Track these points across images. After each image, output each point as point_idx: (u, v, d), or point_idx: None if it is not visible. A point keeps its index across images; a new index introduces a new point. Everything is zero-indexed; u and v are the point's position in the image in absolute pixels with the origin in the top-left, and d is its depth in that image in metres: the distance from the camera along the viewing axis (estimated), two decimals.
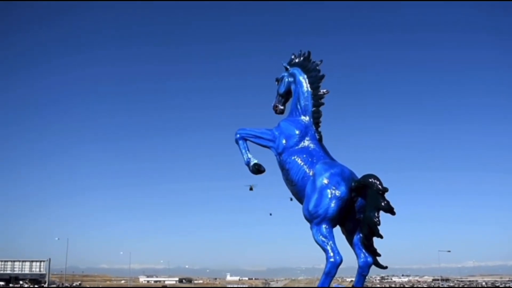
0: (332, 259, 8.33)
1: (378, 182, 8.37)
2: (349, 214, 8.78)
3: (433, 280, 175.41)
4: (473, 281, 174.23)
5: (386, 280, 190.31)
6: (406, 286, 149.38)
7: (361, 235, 8.62)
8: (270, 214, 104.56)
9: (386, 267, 8.89)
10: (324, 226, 8.53)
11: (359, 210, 8.70)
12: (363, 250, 8.67)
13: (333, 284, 8.72)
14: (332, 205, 8.48)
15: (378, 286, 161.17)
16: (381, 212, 8.33)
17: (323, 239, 8.50)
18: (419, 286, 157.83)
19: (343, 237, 9.05)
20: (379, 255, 8.72)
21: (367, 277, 8.88)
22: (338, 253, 8.40)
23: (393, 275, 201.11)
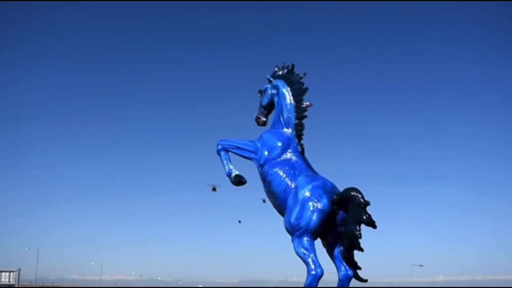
0: (313, 272, 8.31)
1: (360, 196, 8.40)
2: (330, 227, 8.78)
3: None
4: None
5: None
6: None
7: (342, 248, 8.63)
8: (239, 222, 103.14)
9: (366, 280, 8.91)
10: (305, 238, 8.52)
11: (341, 223, 8.72)
12: (344, 263, 8.67)
13: None
14: (314, 217, 8.49)
15: None
16: (362, 226, 8.39)
17: (305, 251, 8.48)
18: None
19: (324, 249, 9.07)
20: (360, 268, 8.74)
21: None
22: (319, 265, 8.40)
23: None
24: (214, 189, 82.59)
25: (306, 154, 9.76)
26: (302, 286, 8.52)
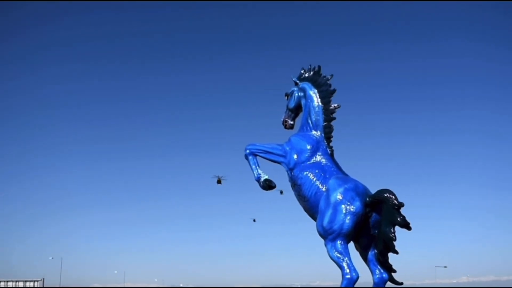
0: (348, 276, 8.19)
1: (393, 197, 8.27)
2: (363, 230, 8.66)
3: None
4: None
5: None
6: None
7: (375, 251, 8.50)
8: (254, 220, 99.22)
9: (401, 283, 8.76)
10: (339, 242, 8.40)
11: (374, 226, 8.59)
12: (378, 266, 8.53)
13: None
14: (347, 220, 8.37)
15: None
16: (396, 228, 8.25)
17: (339, 255, 8.36)
18: None
19: (357, 253, 8.94)
20: (395, 271, 8.59)
21: None
22: (355, 269, 8.27)
23: None
24: (219, 181, 78.44)
25: (336, 156, 9.65)
26: None
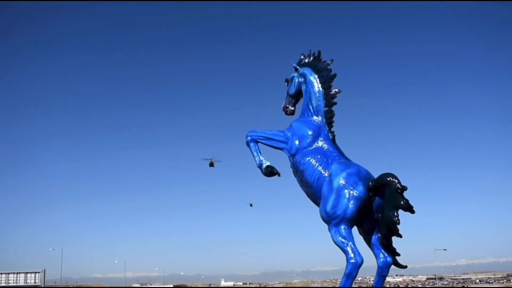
0: (352, 260, 8.20)
1: (396, 181, 8.26)
2: (366, 214, 8.67)
3: (427, 279, 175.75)
4: (466, 279, 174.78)
5: None
6: (401, 286, 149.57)
7: (379, 235, 8.52)
8: (251, 205, 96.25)
9: (406, 267, 8.80)
10: (342, 227, 8.41)
11: (377, 210, 8.61)
12: (382, 250, 8.57)
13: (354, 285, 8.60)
14: (351, 205, 8.37)
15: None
16: (400, 211, 8.25)
17: (343, 240, 8.37)
18: (414, 286, 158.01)
19: (361, 237, 8.95)
20: (399, 255, 8.62)
21: (361, 278, 8.70)
22: (359, 254, 8.28)
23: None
24: (211, 165, 75.51)
25: (337, 141, 9.62)
26: (341, 275, 8.43)
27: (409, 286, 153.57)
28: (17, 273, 74.09)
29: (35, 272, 74.71)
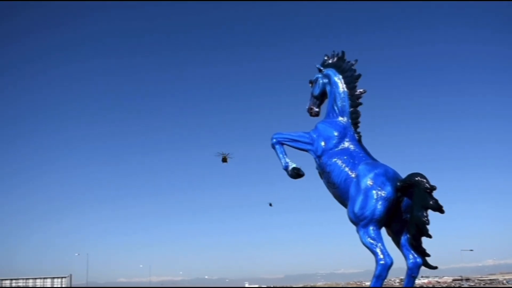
0: (382, 262, 8.12)
1: (425, 181, 8.17)
2: (395, 215, 8.58)
3: (453, 280, 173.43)
4: (494, 279, 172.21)
5: None
6: (426, 287, 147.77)
7: (408, 235, 8.41)
8: (270, 205, 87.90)
9: (436, 267, 8.68)
10: (371, 228, 8.34)
11: (406, 210, 8.51)
12: (412, 251, 8.46)
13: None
14: (379, 206, 8.30)
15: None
16: (429, 211, 8.15)
17: (372, 241, 8.30)
18: (440, 287, 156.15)
19: (389, 238, 8.87)
20: (428, 255, 8.51)
21: (386, 280, 8.60)
22: (388, 255, 8.20)
23: None
24: (224, 160, 68.57)
25: (364, 142, 9.55)
26: (371, 277, 8.35)
27: (435, 287, 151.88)
28: (44, 278, 74.96)
29: (62, 277, 75.50)
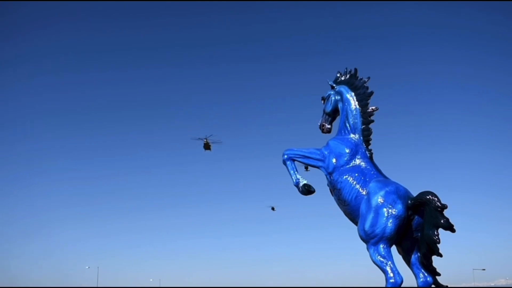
0: (392, 280, 8.09)
1: (436, 199, 8.16)
2: (406, 233, 8.57)
3: None
4: None
5: None
6: None
7: (419, 254, 8.39)
8: (273, 209, 79.39)
9: (446, 287, 8.64)
10: (381, 246, 8.32)
11: (416, 229, 8.50)
12: (422, 270, 8.43)
13: None
14: (389, 224, 8.28)
15: None
16: (440, 230, 8.13)
17: (382, 259, 8.27)
18: None
19: (400, 257, 8.84)
20: (439, 275, 8.46)
21: None
22: (398, 273, 8.17)
23: None
24: (207, 147, 58.16)
25: (375, 159, 9.57)
26: None
27: None
28: None
29: None
